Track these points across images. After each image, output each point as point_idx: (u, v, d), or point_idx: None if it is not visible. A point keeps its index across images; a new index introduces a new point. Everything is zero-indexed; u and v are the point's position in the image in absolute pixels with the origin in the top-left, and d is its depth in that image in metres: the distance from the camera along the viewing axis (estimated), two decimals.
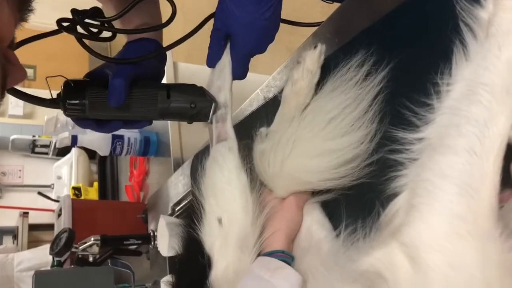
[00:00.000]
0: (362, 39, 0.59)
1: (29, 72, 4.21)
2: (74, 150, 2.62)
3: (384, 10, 0.57)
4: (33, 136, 3.05)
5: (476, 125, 0.35)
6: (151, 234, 1.19)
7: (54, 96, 0.57)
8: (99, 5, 0.65)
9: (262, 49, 0.61)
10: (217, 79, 0.62)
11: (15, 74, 0.47)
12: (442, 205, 0.35)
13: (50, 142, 3.06)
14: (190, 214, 0.63)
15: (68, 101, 0.56)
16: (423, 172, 0.37)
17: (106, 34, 0.60)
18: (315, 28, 0.73)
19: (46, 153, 3.13)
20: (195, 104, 0.60)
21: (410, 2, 0.52)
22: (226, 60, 0.61)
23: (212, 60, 0.63)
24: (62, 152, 3.02)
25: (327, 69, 0.63)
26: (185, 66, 1.47)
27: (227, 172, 0.59)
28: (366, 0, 0.63)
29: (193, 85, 0.62)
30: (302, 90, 0.63)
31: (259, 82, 0.82)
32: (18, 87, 0.54)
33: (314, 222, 0.60)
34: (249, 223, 0.57)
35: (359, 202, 0.54)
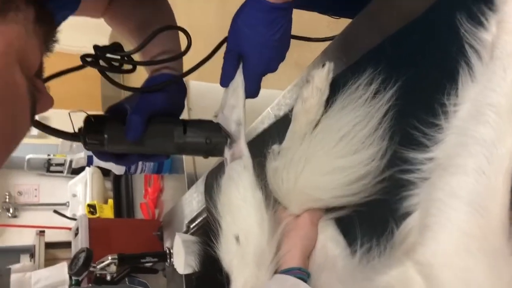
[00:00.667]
0: (370, 58, 0.60)
1: None
2: (88, 168, 2.66)
3: (391, 30, 0.58)
4: (48, 155, 3.10)
5: (484, 145, 0.36)
6: (167, 251, 1.20)
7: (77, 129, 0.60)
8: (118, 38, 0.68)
9: (274, 68, 0.62)
10: (230, 98, 0.64)
11: (43, 101, 0.50)
12: (453, 224, 0.36)
13: (65, 161, 3.10)
14: (207, 231, 0.65)
15: (88, 136, 0.60)
16: (434, 191, 0.38)
17: (127, 66, 0.63)
18: (324, 42, 0.75)
19: (61, 172, 3.17)
20: (211, 139, 0.63)
21: (416, 23, 0.53)
22: (239, 79, 0.63)
23: (225, 80, 0.64)
24: (76, 170, 3.06)
25: (336, 87, 0.64)
26: (196, 84, 1.49)
27: (242, 189, 0.60)
28: (374, 19, 0.64)
29: (210, 121, 0.65)
30: (312, 108, 0.64)
31: (269, 97, 0.83)
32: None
33: (329, 239, 0.60)
34: (265, 240, 0.57)
35: (373, 219, 0.55)
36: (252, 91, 0.64)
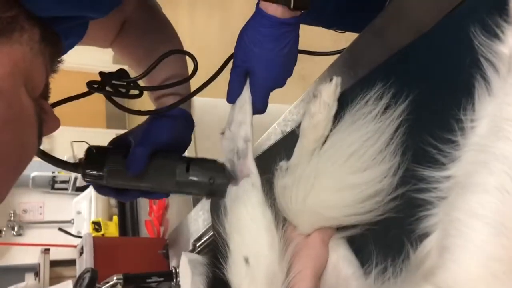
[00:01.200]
0: (379, 72, 0.59)
1: None
2: None
3: (399, 43, 0.57)
4: (53, 172, 3.10)
5: (505, 162, 0.35)
6: (173, 271, 1.19)
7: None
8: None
9: (280, 84, 0.62)
10: (237, 115, 0.63)
11: (50, 123, 0.49)
12: (476, 246, 0.34)
13: (70, 178, 3.11)
14: (215, 252, 0.63)
15: (87, 169, 0.58)
16: (453, 211, 0.37)
17: (133, 91, 0.63)
18: (329, 56, 0.74)
19: (66, 189, 3.17)
20: (214, 180, 0.61)
21: (427, 36, 0.52)
22: (246, 95, 0.62)
23: (232, 96, 0.64)
24: (81, 187, 3.06)
25: (344, 102, 0.63)
26: (200, 100, 1.49)
27: (251, 208, 0.58)
28: (381, 33, 0.63)
29: (214, 161, 0.63)
30: (320, 123, 0.63)
31: (274, 112, 0.82)
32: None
33: (341, 259, 0.58)
34: (276, 261, 0.56)
35: (387, 238, 0.53)
36: (259, 107, 0.63)
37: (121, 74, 0.60)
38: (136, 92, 0.62)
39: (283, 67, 0.59)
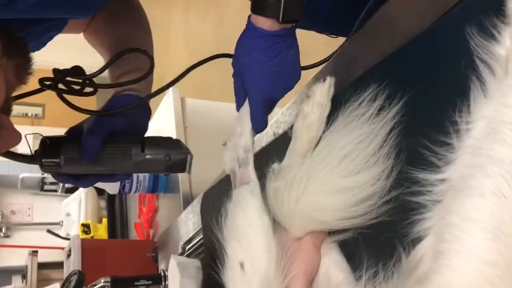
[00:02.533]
0: (374, 73, 0.58)
1: (38, 110, 4.28)
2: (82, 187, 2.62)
3: (393, 46, 0.56)
4: (42, 173, 3.06)
5: (502, 166, 0.34)
6: (162, 274, 1.17)
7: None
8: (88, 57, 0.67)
9: (276, 96, 0.60)
10: (238, 125, 0.63)
11: (8, 138, 0.48)
12: (471, 251, 0.33)
13: None
14: (212, 255, 0.63)
15: (43, 159, 0.59)
16: (448, 215, 0.36)
17: (88, 89, 0.63)
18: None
19: (55, 191, 3.13)
20: (170, 156, 0.63)
21: (422, 37, 0.51)
22: (245, 108, 0.62)
23: (237, 106, 0.64)
24: (70, 189, 3.02)
25: (337, 104, 0.62)
26: (193, 102, 1.47)
27: (249, 215, 0.58)
28: (374, 35, 0.63)
29: (169, 138, 0.65)
30: (313, 124, 0.62)
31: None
32: None
33: (332, 264, 0.58)
34: (273, 267, 0.55)
35: (379, 242, 0.52)
36: (257, 119, 0.62)
37: (76, 71, 0.61)
38: (91, 89, 0.63)
39: (275, 78, 0.58)
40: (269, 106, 0.61)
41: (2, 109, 0.46)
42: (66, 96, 0.60)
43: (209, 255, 0.60)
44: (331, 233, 0.60)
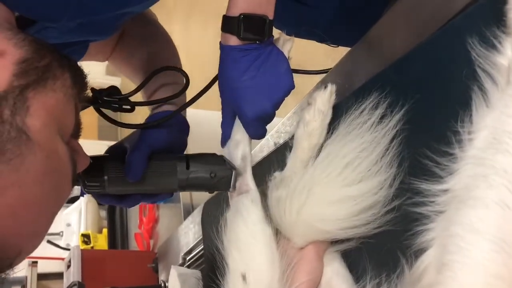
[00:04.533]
0: (375, 82, 0.58)
1: None
2: (83, 198, 2.62)
3: (394, 55, 0.56)
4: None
5: (505, 176, 0.34)
6: (162, 285, 1.16)
7: None
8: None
9: (262, 110, 0.59)
10: (235, 134, 0.63)
11: (81, 161, 0.49)
12: (476, 263, 0.33)
13: None
14: (213, 266, 0.62)
15: (87, 180, 0.57)
16: (452, 226, 0.35)
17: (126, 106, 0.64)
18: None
19: None
20: (215, 173, 0.60)
21: (423, 47, 0.51)
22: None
23: (224, 139, 0.63)
24: (71, 199, 3.01)
25: (339, 113, 0.62)
26: (193, 112, 1.47)
27: (251, 225, 0.58)
28: (375, 45, 0.63)
29: (213, 154, 0.63)
30: (314, 131, 0.62)
31: (268, 125, 0.82)
32: None
33: (335, 274, 0.57)
34: (275, 279, 0.55)
35: (382, 252, 0.52)
36: (252, 135, 0.62)
37: (112, 91, 0.61)
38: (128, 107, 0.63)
39: (256, 91, 0.57)
40: (264, 119, 0.60)
41: (72, 134, 0.47)
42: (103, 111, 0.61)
43: (210, 266, 0.59)
44: (333, 242, 0.59)
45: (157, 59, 0.72)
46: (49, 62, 0.43)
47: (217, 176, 0.60)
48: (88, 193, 0.60)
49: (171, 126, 0.64)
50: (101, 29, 0.60)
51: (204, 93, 0.65)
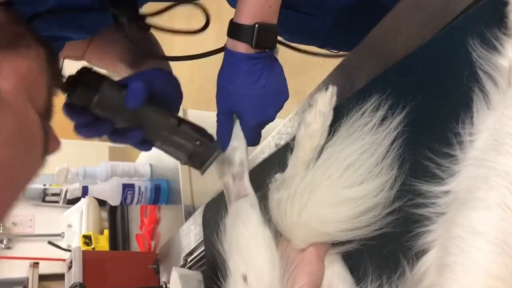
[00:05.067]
0: (376, 83, 0.58)
1: None
2: (84, 199, 2.62)
3: (395, 57, 0.56)
4: (44, 185, 3.05)
5: (506, 178, 0.34)
6: (163, 286, 1.16)
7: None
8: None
9: (268, 117, 0.61)
10: (233, 140, 0.63)
11: (51, 144, 0.48)
12: (478, 265, 0.33)
13: (61, 191, 3.06)
14: (214, 268, 0.62)
15: (80, 87, 0.52)
16: (453, 228, 0.35)
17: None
18: (323, 69, 0.73)
19: (57, 202, 3.12)
20: (201, 143, 0.59)
21: (424, 48, 0.51)
22: (238, 128, 0.62)
23: (223, 143, 0.62)
24: (72, 200, 3.01)
25: (340, 115, 0.62)
26: (193, 113, 1.48)
27: (251, 227, 0.58)
28: (377, 46, 0.63)
29: (205, 129, 0.62)
30: (315, 133, 0.63)
31: (269, 126, 0.82)
32: None
33: (335, 276, 0.57)
34: (276, 280, 0.55)
35: (382, 254, 0.52)
36: (251, 141, 0.63)
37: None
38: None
39: (264, 101, 0.59)
40: (264, 126, 0.62)
41: (44, 114, 0.46)
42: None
43: (211, 268, 0.59)
44: (334, 244, 0.59)
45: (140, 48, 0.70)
46: (23, 32, 0.44)
47: (201, 147, 0.58)
48: (70, 101, 0.54)
49: (170, 79, 0.63)
50: (84, 27, 0.58)
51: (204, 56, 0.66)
